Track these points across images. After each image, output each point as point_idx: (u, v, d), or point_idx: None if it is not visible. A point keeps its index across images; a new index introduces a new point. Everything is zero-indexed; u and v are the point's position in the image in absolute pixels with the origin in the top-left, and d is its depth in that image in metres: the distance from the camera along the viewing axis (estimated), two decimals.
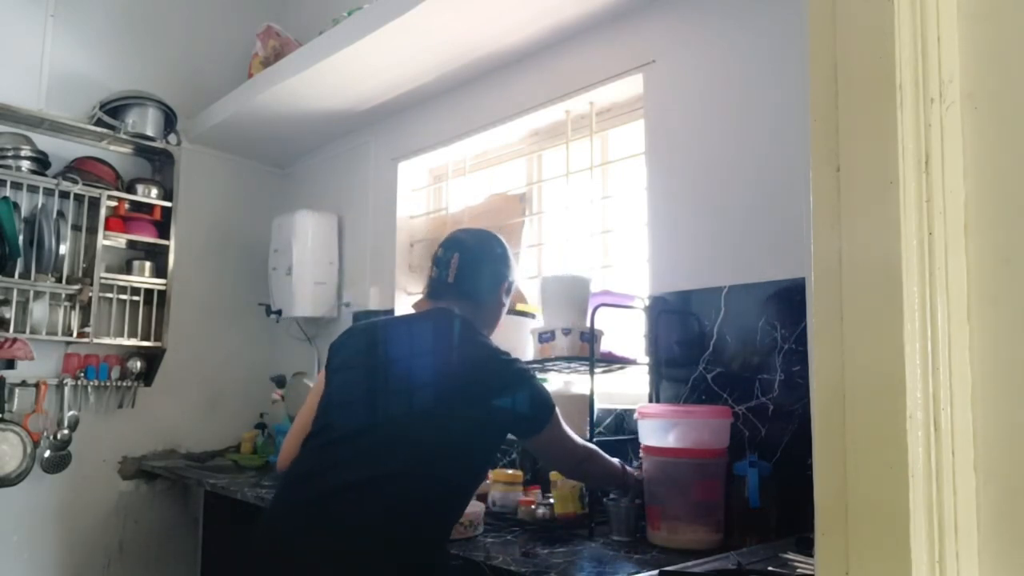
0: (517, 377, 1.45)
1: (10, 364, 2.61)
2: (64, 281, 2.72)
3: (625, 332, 1.97)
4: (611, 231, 2.27)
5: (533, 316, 2.03)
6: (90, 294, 2.73)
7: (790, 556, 1.29)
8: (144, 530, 3.02)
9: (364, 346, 1.53)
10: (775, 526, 1.53)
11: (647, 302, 1.96)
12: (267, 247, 3.14)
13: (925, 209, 0.61)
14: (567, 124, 2.37)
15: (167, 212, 2.98)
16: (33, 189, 2.69)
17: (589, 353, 1.75)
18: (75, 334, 2.75)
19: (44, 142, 2.80)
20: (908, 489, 0.58)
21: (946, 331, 0.61)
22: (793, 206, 1.70)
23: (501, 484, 1.92)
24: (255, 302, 3.23)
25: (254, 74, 2.90)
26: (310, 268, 2.99)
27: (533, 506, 1.78)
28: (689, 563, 1.25)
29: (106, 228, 2.81)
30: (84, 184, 2.75)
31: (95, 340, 2.77)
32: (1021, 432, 0.59)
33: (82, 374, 2.83)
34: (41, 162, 2.73)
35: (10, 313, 2.62)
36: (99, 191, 2.79)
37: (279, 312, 3.02)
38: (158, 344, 2.94)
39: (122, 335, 2.88)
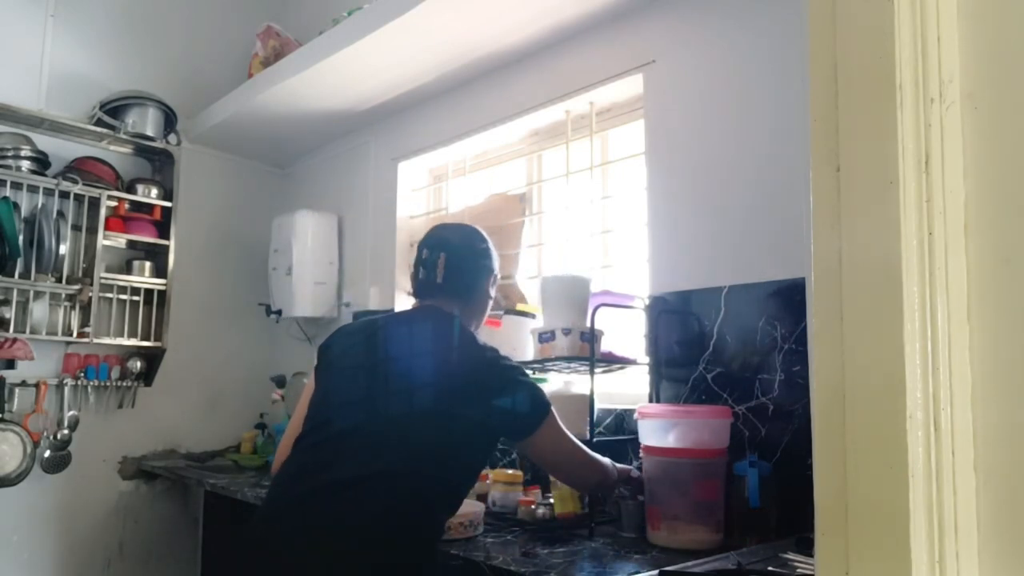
0: (511, 376, 1.44)
1: (10, 364, 2.61)
2: (64, 281, 2.72)
3: (625, 332, 1.97)
4: (611, 231, 2.27)
5: (533, 316, 2.03)
6: (90, 294, 2.73)
7: (790, 556, 1.29)
8: (144, 530, 3.02)
9: (354, 346, 1.52)
10: (775, 526, 1.53)
11: (647, 302, 1.96)
12: (267, 247, 3.14)
13: (925, 209, 0.61)
14: (567, 124, 2.37)
15: (167, 212, 2.98)
16: (33, 189, 2.69)
17: (589, 353, 1.75)
18: (75, 334, 2.75)
19: (44, 142, 2.80)
20: (908, 489, 0.58)
21: (946, 331, 0.61)
22: (793, 206, 1.70)
23: (501, 484, 1.92)
24: (255, 302, 3.23)
25: (254, 74, 2.90)
26: (310, 268, 2.99)
27: (533, 506, 1.78)
28: (689, 563, 1.25)
29: (106, 228, 2.81)
30: (84, 184, 2.75)
31: (95, 340, 2.77)
32: (1021, 432, 0.59)
33: (82, 374, 2.83)
34: (41, 162, 2.73)
35: (10, 313, 2.62)
36: (99, 191, 2.79)
37: (279, 312, 3.02)
38: (158, 344, 2.94)
39: (122, 335, 2.88)
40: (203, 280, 3.23)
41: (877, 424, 0.61)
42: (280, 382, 2.99)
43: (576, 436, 1.83)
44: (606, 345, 1.85)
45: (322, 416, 1.43)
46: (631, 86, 2.17)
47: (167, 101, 3.02)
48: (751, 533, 1.55)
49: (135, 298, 2.92)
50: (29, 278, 2.61)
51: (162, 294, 2.96)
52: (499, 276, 1.68)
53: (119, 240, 2.92)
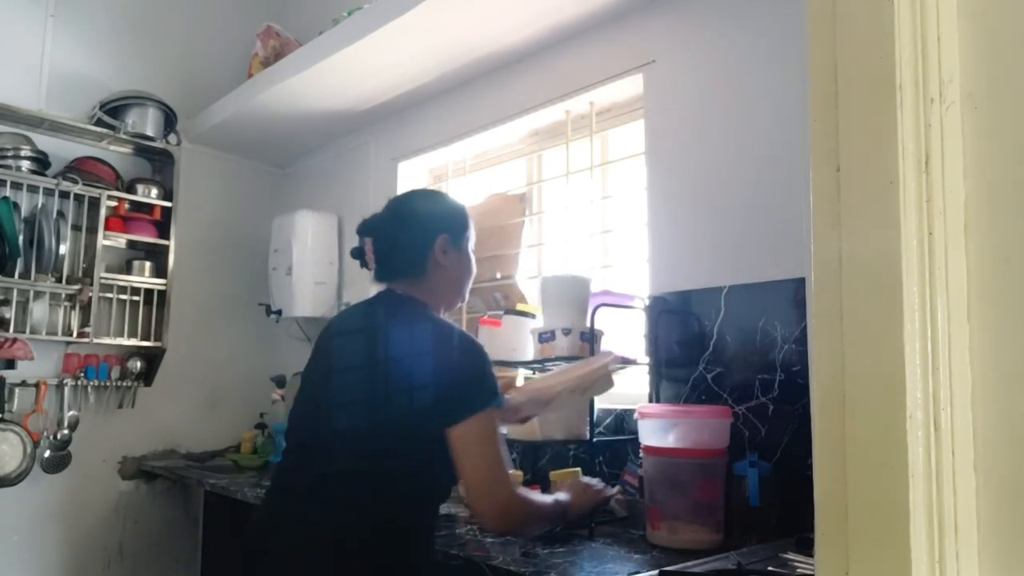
0: (465, 354, 1.29)
1: (10, 364, 2.61)
2: (64, 281, 2.72)
3: (625, 332, 1.97)
4: (611, 231, 2.27)
5: (533, 316, 2.03)
6: (90, 294, 2.73)
7: (790, 556, 1.29)
8: (144, 530, 3.01)
9: (317, 350, 1.50)
10: (775, 526, 1.53)
11: (647, 302, 1.96)
12: (267, 247, 3.14)
13: (925, 209, 0.61)
14: (567, 124, 2.37)
15: (167, 212, 2.98)
16: (33, 189, 2.69)
17: (589, 353, 1.75)
18: (75, 334, 2.75)
19: (44, 142, 2.80)
20: (908, 489, 0.58)
21: (946, 331, 0.61)
22: (793, 206, 1.70)
23: None
24: (255, 302, 3.23)
25: (254, 74, 2.90)
26: (310, 268, 2.99)
27: None
28: (689, 563, 1.25)
29: (106, 228, 2.81)
30: (84, 184, 2.75)
31: (95, 340, 2.77)
32: (1021, 432, 0.59)
33: (82, 374, 2.83)
34: (41, 162, 2.73)
35: (10, 313, 2.62)
36: (99, 191, 2.79)
37: (279, 312, 3.02)
38: (158, 344, 2.94)
39: (122, 335, 2.88)
40: (203, 280, 3.23)
41: (877, 424, 0.61)
42: (280, 382, 2.99)
43: (576, 436, 1.84)
44: (606, 345, 1.85)
45: (291, 423, 1.46)
46: (631, 86, 2.17)
47: (167, 101, 3.02)
48: (751, 533, 1.55)
49: (135, 298, 2.92)
50: (29, 278, 2.61)
51: (162, 294, 2.96)
52: (463, 233, 1.49)
53: (119, 240, 2.92)
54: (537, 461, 2.14)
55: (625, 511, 1.81)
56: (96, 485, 2.91)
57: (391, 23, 2.16)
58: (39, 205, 2.67)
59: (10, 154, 2.65)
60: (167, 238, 2.97)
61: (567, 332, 1.79)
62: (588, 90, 2.24)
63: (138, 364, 2.97)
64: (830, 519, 0.63)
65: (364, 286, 2.97)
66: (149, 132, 2.96)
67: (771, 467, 1.57)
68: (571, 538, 1.63)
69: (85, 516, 2.88)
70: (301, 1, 3.45)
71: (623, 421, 1.99)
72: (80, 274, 2.81)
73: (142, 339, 2.91)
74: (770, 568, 1.21)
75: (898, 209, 0.61)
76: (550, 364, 1.86)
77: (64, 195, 2.71)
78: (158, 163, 3.11)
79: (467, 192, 2.77)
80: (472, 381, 1.28)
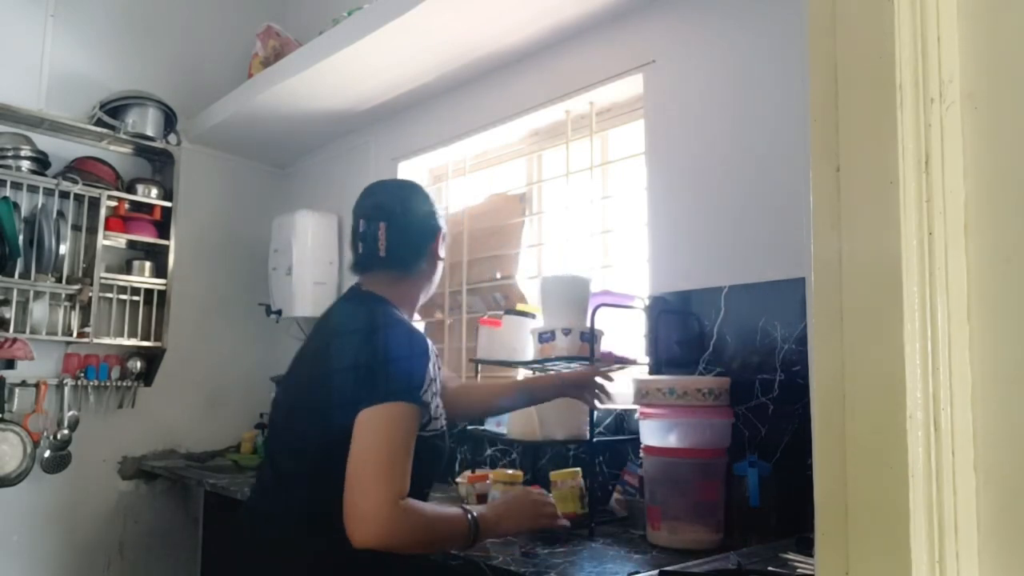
0: (394, 341, 1.22)
1: (10, 364, 2.61)
2: (64, 281, 2.72)
3: (625, 332, 1.97)
4: (611, 231, 2.27)
5: (533, 316, 2.03)
6: (90, 294, 2.73)
7: (790, 556, 1.29)
8: (144, 530, 3.01)
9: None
10: (775, 526, 1.53)
11: (647, 302, 1.96)
12: (267, 247, 3.14)
13: (925, 209, 0.61)
14: (567, 124, 2.37)
15: (167, 212, 2.98)
16: (33, 189, 2.69)
17: (589, 353, 1.75)
18: (75, 334, 2.75)
19: (44, 142, 2.80)
20: (908, 489, 0.58)
21: (946, 331, 0.61)
22: (793, 206, 1.70)
23: (501, 484, 1.92)
24: (255, 302, 3.23)
25: (254, 74, 2.90)
26: (310, 268, 2.99)
27: None
28: (689, 563, 1.25)
29: (106, 228, 2.81)
30: (84, 184, 2.75)
31: (95, 340, 2.77)
32: (1021, 432, 0.58)
33: (82, 374, 2.83)
34: (41, 162, 2.73)
35: (10, 313, 2.62)
36: (99, 191, 2.79)
37: (279, 312, 3.02)
38: (158, 344, 2.94)
39: (122, 335, 2.88)
40: (203, 280, 3.23)
41: (877, 424, 0.61)
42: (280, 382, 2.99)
43: (576, 436, 1.84)
44: (606, 345, 1.85)
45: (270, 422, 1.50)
46: (631, 86, 2.17)
47: (167, 101, 3.02)
48: (751, 533, 1.54)
49: (135, 298, 2.92)
50: (29, 278, 2.61)
51: (162, 294, 2.96)
52: (447, 233, 1.52)
53: (119, 240, 2.92)
54: (537, 461, 2.14)
55: (625, 511, 1.81)
56: (96, 485, 2.91)
57: (391, 23, 2.16)
58: (39, 205, 2.67)
59: (10, 154, 2.65)
60: (167, 238, 2.97)
61: (567, 332, 1.79)
62: (588, 90, 2.24)
63: (138, 364, 2.97)
64: (830, 519, 0.63)
65: None
66: (149, 132, 2.96)
67: (771, 467, 1.57)
68: (571, 538, 1.63)
69: (85, 516, 2.88)
70: (301, 1, 3.45)
71: (623, 421, 1.99)
72: (80, 274, 2.81)
73: (142, 339, 2.91)
74: (770, 568, 1.21)
75: (898, 209, 0.61)
76: (550, 364, 1.86)
77: (64, 195, 2.71)
78: (158, 163, 3.11)
79: (467, 192, 2.77)
80: (389, 365, 1.20)
